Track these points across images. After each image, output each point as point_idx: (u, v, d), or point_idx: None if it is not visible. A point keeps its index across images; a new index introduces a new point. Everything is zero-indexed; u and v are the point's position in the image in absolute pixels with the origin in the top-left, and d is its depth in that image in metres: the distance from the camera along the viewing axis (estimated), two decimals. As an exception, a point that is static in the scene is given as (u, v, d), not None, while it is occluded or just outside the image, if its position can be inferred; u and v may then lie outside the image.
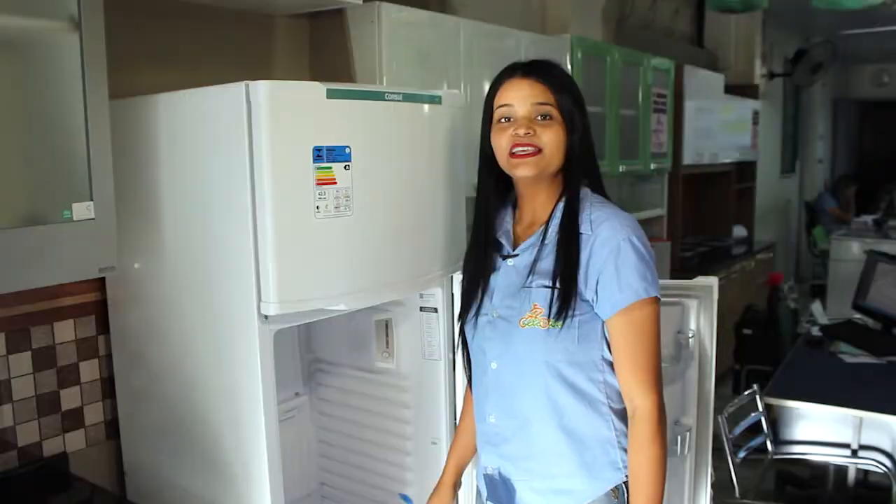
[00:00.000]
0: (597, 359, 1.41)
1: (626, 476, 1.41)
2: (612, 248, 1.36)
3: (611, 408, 1.42)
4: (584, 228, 1.40)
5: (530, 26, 3.28)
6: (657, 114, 3.93)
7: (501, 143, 1.41)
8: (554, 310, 1.37)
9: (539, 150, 1.39)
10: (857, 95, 10.19)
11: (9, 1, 1.29)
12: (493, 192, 1.50)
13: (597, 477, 1.42)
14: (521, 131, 1.39)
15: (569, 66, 3.10)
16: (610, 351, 1.41)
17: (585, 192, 1.45)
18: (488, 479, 1.54)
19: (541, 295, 1.40)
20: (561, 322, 1.37)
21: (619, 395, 1.42)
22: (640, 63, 3.72)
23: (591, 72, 3.25)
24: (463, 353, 1.59)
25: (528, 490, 1.47)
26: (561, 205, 1.44)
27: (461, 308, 1.54)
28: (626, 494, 1.41)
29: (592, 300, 1.38)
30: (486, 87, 1.48)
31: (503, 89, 1.44)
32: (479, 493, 1.60)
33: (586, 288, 1.38)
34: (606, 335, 1.41)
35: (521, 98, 1.41)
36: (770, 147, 7.23)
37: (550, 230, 1.43)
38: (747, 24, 5.90)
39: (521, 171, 1.41)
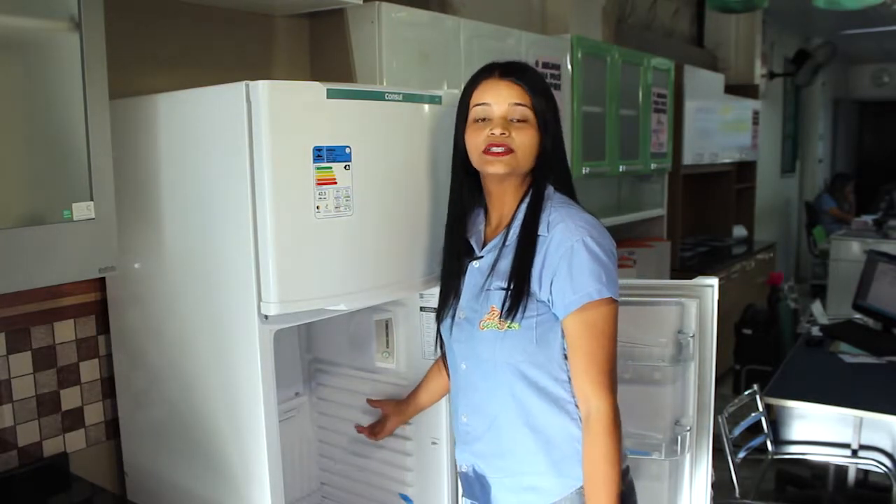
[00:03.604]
0: (559, 358, 1.42)
1: None
2: (566, 249, 1.37)
3: (577, 406, 1.43)
4: (542, 230, 1.42)
5: (530, 26, 3.28)
6: (657, 114, 3.93)
7: (477, 141, 1.43)
8: (505, 310, 1.39)
9: (511, 151, 1.41)
10: (857, 95, 10.20)
11: (9, 1, 1.29)
12: (466, 192, 1.53)
13: (566, 474, 1.43)
14: (497, 131, 1.41)
15: (569, 66, 3.10)
16: None
17: (549, 192, 1.47)
18: (464, 476, 1.58)
19: (497, 297, 1.42)
20: (513, 322, 1.39)
21: None
22: (640, 63, 3.72)
23: (591, 72, 3.25)
24: (441, 353, 1.64)
25: (501, 487, 1.50)
26: (524, 205, 1.46)
27: (437, 308, 1.58)
28: None
29: (548, 301, 1.39)
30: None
31: (480, 89, 1.45)
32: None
33: (541, 289, 1.39)
34: None
35: (498, 97, 1.42)
36: (770, 147, 7.23)
37: (512, 231, 1.46)
38: (747, 24, 5.91)
39: (492, 169, 1.43)
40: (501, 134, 1.40)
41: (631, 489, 1.50)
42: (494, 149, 1.41)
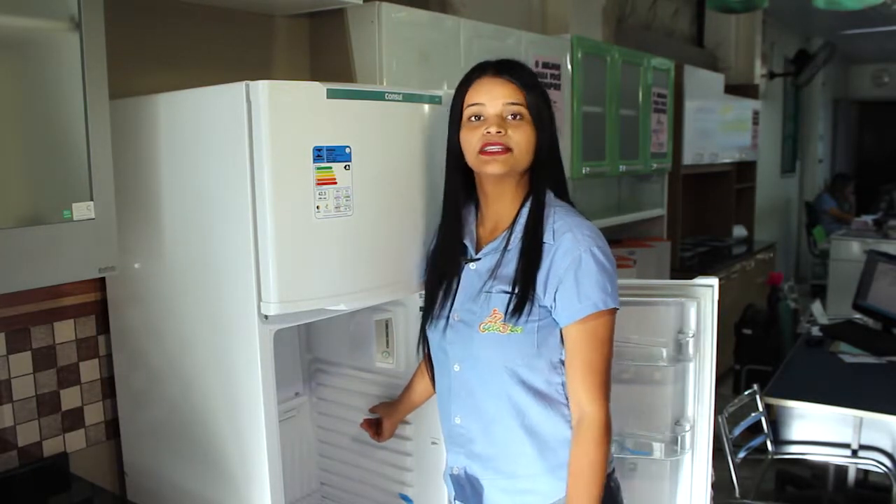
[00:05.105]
0: (555, 362, 1.44)
1: None
2: (574, 259, 1.38)
3: (570, 409, 1.44)
4: (547, 237, 1.42)
5: (530, 26, 3.28)
6: (657, 114, 3.93)
7: (472, 140, 1.43)
8: (509, 313, 1.40)
9: (509, 150, 1.40)
10: (857, 95, 10.20)
11: (9, 1, 1.29)
12: (461, 191, 1.52)
13: (561, 477, 1.43)
14: (493, 129, 1.40)
15: (569, 66, 3.10)
16: None
17: (549, 199, 1.47)
18: (455, 478, 1.56)
19: (500, 300, 1.42)
20: (517, 326, 1.40)
21: None
22: (640, 63, 3.72)
23: (591, 72, 3.25)
24: (425, 352, 1.63)
25: (495, 489, 1.49)
26: (525, 210, 1.46)
27: (425, 308, 1.57)
28: None
29: (551, 307, 1.40)
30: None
31: (474, 88, 1.45)
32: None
33: (545, 295, 1.40)
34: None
35: (492, 97, 1.42)
36: (770, 147, 7.23)
37: (514, 236, 1.45)
38: (747, 24, 5.91)
39: (490, 169, 1.42)
40: (497, 132, 1.40)
41: (618, 488, 1.51)
42: (490, 147, 1.40)
